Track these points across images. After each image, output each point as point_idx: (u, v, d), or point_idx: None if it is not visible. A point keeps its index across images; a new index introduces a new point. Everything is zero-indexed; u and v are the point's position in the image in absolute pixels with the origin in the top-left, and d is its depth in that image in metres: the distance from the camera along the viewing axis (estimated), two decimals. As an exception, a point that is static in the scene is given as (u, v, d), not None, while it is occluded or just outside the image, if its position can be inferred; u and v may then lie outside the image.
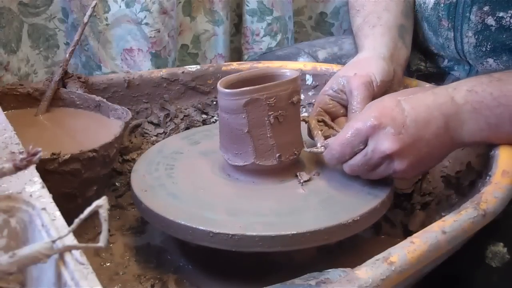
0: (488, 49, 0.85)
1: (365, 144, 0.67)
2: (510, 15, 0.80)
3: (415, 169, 0.69)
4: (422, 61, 1.02)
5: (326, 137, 0.73)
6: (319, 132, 0.74)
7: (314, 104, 0.88)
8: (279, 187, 0.72)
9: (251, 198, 0.70)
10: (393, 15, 0.90)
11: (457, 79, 0.98)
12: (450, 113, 0.67)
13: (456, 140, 0.69)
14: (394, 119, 0.66)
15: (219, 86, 0.70)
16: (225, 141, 0.73)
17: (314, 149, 0.71)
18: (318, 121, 0.77)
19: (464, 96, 0.68)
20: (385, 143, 0.66)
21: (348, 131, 0.68)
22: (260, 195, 0.70)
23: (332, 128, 0.76)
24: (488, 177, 0.67)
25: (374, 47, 0.84)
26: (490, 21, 0.82)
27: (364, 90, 0.75)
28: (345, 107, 0.78)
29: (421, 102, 0.68)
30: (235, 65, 1.00)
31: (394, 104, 0.68)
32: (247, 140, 0.70)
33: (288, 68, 0.77)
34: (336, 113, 0.79)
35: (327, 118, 0.78)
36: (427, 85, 0.87)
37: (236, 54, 1.42)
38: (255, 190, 0.71)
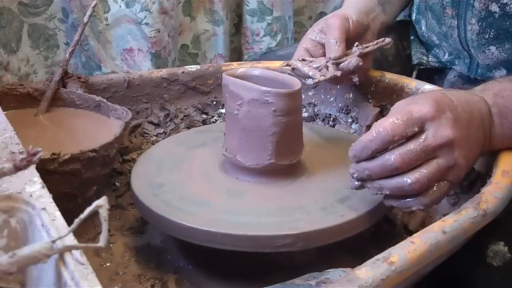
0: (491, 37, 0.86)
1: (421, 128, 0.60)
2: None
3: (467, 165, 0.63)
4: (424, 55, 1.03)
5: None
6: (310, 68, 0.77)
7: (311, 104, 0.90)
8: (280, 187, 0.72)
9: (252, 198, 0.70)
10: None
11: (459, 73, 0.98)
12: (485, 112, 0.67)
13: (486, 142, 0.67)
14: (450, 106, 0.61)
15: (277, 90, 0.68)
16: (242, 142, 0.71)
17: (321, 77, 0.75)
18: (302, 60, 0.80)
19: (492, 98, 0.68)
20: (447, 128, 0.59)
21: (399, 113, 0.60)
22: (261, 195, 0.70)
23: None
24: (488, 177, 0.67)
25: (351, 3, 0.91)
26: (494, 7, 0.83)
27: (339, 22, 0.81)
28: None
29: (461, 97, 0.65)
30: (235, 65, 1.00)
31: (440, 94, 0.64)
32: (268, 141, 0.69)
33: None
34: (315, 52, 0.84)
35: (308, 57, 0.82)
36: (427, 85, 0.87)
37: (236, 54, 1.42)
38: (257, 190, 0.71)
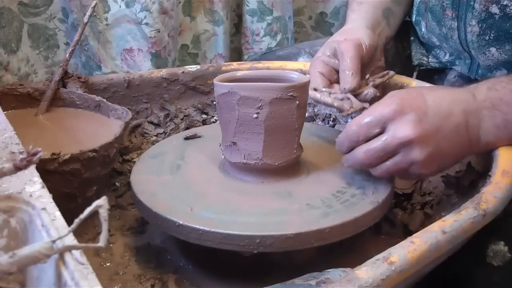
0: (492, 38, 0.86)
1: (383, 128, 0.65)
2: None
3: (433, 163, 0.66)
4: (424, 56, 1.03)
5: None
6: (335, 99, 0.77)
7: (311, 104, 0.90)
8: (280, 187, 0.72)
9: (253, 198, 0.70)
10: None
11: (459, 74, 0.98)
12: (471, 110, 0.67)
13: (473, 139, 0.68)
14: (416, 107, 0.65)
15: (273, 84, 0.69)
16: (267, 144, 0.70)
17: (351, 110, 0.75)
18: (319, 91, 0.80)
19: (485, 93, 0.68)
20: (405, 129, 0.64)
21: (367, 113, 0.67)
22: (261, 195, 0.70)
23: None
24: (488, 177, 0.67)
25: (358, 19, 0.91)
26: (494, 9, 0.83)
27: (354, 50, 0.80)
28: (338, 72, 0.81)
29: (444, 96, 0.68)
30: (235, 65, 1.00)
31: (416, 94, 0.67)
32: (294, 135, 0.70)
33: (288, 69, 0.78)
34: (331, 78, 0.83)
35: (327, 87, 0.81)
36: (427, 85, 0.87)
37: (236, 54, 1.42)
38: (258, 189, 0.71)
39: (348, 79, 0.78)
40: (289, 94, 0.68)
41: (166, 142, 0.85)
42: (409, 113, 0.64)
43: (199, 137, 0.84)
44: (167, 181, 0.73)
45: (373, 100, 0.77)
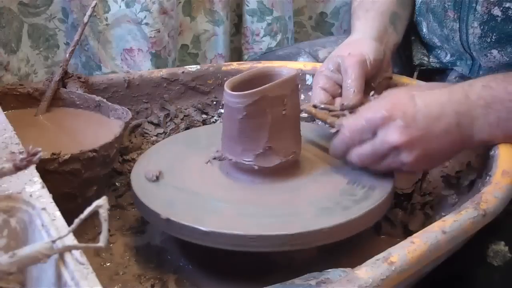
0: (493, 40, 0.86)
1: (374, 134, 0.68)
2: None
3: (422, 163, 0.69)
4: (425, 56, 1.03)
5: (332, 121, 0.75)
6: (328, 115, 0.77)
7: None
8: (280, 187, 0.72)
9: (253, 198, 0.70)
10: (387, 2, 0.94)
11: (460, 74, 0.98)
12: (463, 111, 0.68)
13: (465, 138, 0.69)
14: (405, 113, 0.67)
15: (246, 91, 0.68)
16: (276, 143, 0.70)
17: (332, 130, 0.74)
18: (318, 108, 0.79)
19: (479, 92, 0.69)
20: (393, 135, 0.66)
21: (359, 119, 0.69)
22: (261, 195, 0.70)
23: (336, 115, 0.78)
24: (488, 177, 0.67)
25: (365, 29, 0.89)
26: (496, 11, 0.83)
27: (359, 68, 0.79)
28: (341, 86, 0.81)
29: (434, 98, 0.69)
30: (235, 65, 1.00)
31: (407, 97, 0.69)
32: (262, 140, 0.69)
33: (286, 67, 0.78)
34: (334, 93, 0.82)
35: (328, 103, 0.81)
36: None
37: (236, 54, 1.42)
38: (257, 190, 0.71)
39: (350, 95, 0.79)
40: (297, 85, 0.71)
41: (166, 142, 0.85)
42: (397, 119, 0.67)
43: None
44: (167, 181, 0.73)
45: None
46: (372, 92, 0.80)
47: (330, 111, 0.78)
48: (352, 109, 0.77)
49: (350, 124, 0.70)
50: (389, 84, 0.88)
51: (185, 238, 0.65)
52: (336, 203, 0.68)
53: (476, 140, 0.69)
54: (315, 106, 0.79)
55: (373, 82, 0.85)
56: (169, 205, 0.68)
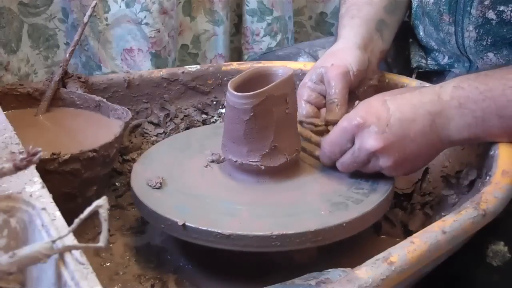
0: (489, 43, 0.86)
1: (352, 142, 0.70)
2: (510, 9, 0.81)
3: (402, 167, 0.70)
4: (423, 58, 1.02)
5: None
6: (312, 134, 0.76)
7: None
8: (280, 187, 0.72)
9: (263, 198, 0.70)
10: (374, 9, 0.93)
11: (458, 76, 0.98)
12: (436, 111, 0.68)
13: (443, 138, 0.69)
14: (378, 118, 0.68)
15: (234, 93, 0.68)
16: (280, 141, 0.70)
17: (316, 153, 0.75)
18: (304, 123, 0.78)
19: (450, 92, 0.69)
20: (369, 141, 0.68)
21: (336, 131, 0.71)
22: (261, 195, 0.70)
23: (320, 132, 0.77)
24: (488, 177, 0.67)
25: (349, 37, 0.88)
26: (491, 15, 0.83)
27: (342, 80, 0.79)
28: (325, 97, 0.81)
29: (406, 101, 0.69)
30: (235, 65, 1.00)
31: (380, 103, 0.69)
32: (268, 139, 0.69)
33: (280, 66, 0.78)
34: (318, 104, 0.82)
35: (314, 115, 0.81)
36: (427, 84, 0.87)
37: (236, 54, 1.42)
38: (265, 190, 0.71)
39: (334, 110, 0.78)
40: (294, 83, 0.72)
41: (166, 142, 0.85)
42: (371, 126, 0.68)
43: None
44: (167, 181, 0.73)
45: None
46: (357, 102, 0.79)
47: (315, 126, 0.78)
48: (337, 123, 0.76)
49: (327, 138, 0.72)
50: (376, 91, 0.87)
51: (202, 243, 0.64)
52: (335, 203, 0.68)
53: (455, 140, 0.70)
54: (301, 122, 0.78)
55: (357, 91, 0.84)
56: (181, 211, 0.67)
